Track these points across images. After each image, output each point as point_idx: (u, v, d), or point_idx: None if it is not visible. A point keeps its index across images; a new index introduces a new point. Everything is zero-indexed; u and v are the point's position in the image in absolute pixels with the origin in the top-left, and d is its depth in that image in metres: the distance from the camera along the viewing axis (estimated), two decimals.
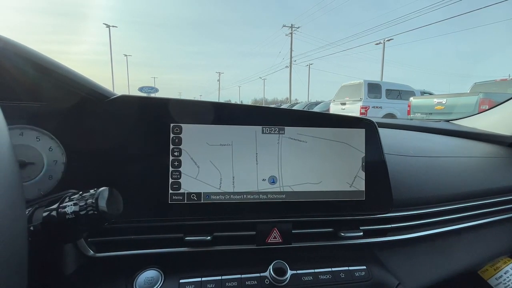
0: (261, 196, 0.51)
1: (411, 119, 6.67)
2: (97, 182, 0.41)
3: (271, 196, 0.52)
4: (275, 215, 0.52)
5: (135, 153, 0.48)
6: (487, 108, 1.27)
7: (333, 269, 0.52)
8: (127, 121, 0.49)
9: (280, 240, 0.53)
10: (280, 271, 0.49)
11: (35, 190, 0.44)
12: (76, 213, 0.32)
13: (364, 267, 0.53)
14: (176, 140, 0.49)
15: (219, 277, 0.48)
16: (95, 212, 0.32)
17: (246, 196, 0.51)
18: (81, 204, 0.32)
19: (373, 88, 8.40)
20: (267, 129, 0.52)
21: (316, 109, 11.85)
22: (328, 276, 0.51)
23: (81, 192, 0.35)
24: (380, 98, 8.41)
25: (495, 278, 0.71)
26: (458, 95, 6.34)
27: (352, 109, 8.32)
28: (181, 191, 0.49)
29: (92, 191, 0.34)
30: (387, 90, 8.55)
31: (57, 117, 0.47)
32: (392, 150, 0.70)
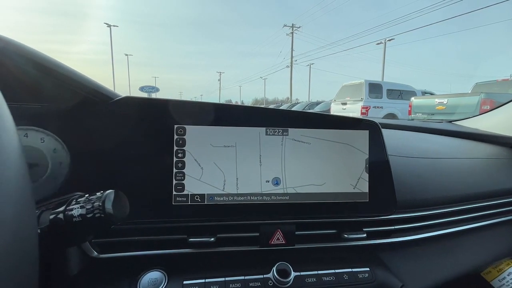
0: (264, 197, 0.51)
1: (412, 119, 6.66)
2: (101, 184, 0.41)
3: (275, 198, 0.52)
4: (278, 217, 0.52)
5: (139, 155, 0.48)
6: (488, 108, 1.27)
7: (337, 270, 0.52)
8: (131, 123, 0.49)
9: (284, 242, 0.53)
10: (284, 273, 0.49)
11: (40, 192, 0.44)
12: (83, 216, 0.32)
13: (368, 269, 0.53)
14: (180, 142, 0.49)
15: (223, 279, 0.48)
16: (102, 215, 0.32)
17: (250, 198, 0.51)
18: (88, 207, 0.32)
19: (374, 88, 8.38)
20: (271, 131, 0.52)
21: (317, 109, 11.84)
22: (331, 278, 0.51)
23: (87, 195, 0.35)
24: (381, 98, 8.40)
25: (498, 280, 0.70)
26: (459, 95, 6.32)
27: (353, 109, 8.31)
28: (185, 192, 0.49)
29: (98, 193, 0.34)
30: (388, 90, 8.53)
31: (61, 118, 0.47)
32: (395, 151, 0.70)
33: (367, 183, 0.54)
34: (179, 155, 0.49)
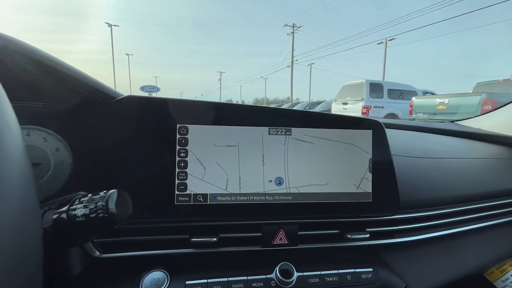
0: (267, 197, 0.51)
1: (413, 119, 6.64)
2: (103, 183, 0.41)
3: (278, 198, 0.51)
4: (281, 217, 0.52)
5: (141, 154, 0.48)
6: (490, 108, 1.27)
7: (340, 271, 0.52)
8: (133, 122, 0.49)
9: (286, 242, 0.53)
10: (286, 273, 0.49)
11: (42, 191, 0.43)
12: (87, 216, 0.32)
13: (371, 269, 0.53)
14: (183, 141, 0.49)
15: (225, 279, 0.48)
16: (105, 215, 0.32)
17: (253, 198, 0.51)
18: (91, 206, 0.32)
19: (375, 88, 8.37)
20: (274, 130, 0.52)
21: (318, 108, 11.83)
22: (334, 278, 0.51)
23: (90, 195, 0.35)
24: (382, 98, 8.38)
25: (502, 281, 0.70)
26: (460, 95, 6.30)
27: (354, 109, 8.30)
28: (187, 192, 0.49)
29: (101, 193, 0.34)
30: (389, 90, 8.51)
31: (64, 118, 0.47)
32: (398, 151, 0.69)
33: (371, 183, 0.54)
34: (182, 154, 0.49)
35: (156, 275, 0.47)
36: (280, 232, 0.53)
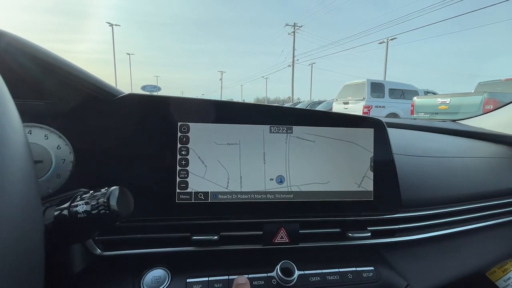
0: (268, 195, 0.51)
1: (414, 119, 6.62)
2: (104, 181, 0.41)
3: (279, 196, 0.51)
4: (282, 215, 0.52)
5: (142, 152, 0.48)
6: (491, 108, 1.26)
7: (341, 269, 0.52)
8: (134, 120, 0.49)
9: (287, 240, 0.53)
10: (288, 271, 0.49)
11: (44, 188, 0.44)
12: (88, 212, 0.32)
13: (372, 268, 0.53)
14: (184, 139, 0.49)
15: (226, 277, 0.48)
16: (107, 212, 0.32)
17: (254, 196, 0.50)
18: (92, 203, 0.32)
19: (376, 88, 8.36)
20: (275, 128, 0.52)
21: (319, 108, 11.79)
22: (335, 277, 0.51)
23: (92, 191, 0.35)
24: (383, 97, 8.37)
25: (503, 280, 0.70)
26: (462, 94, 6.28)
27: (355, 109, 8.29)
28: (189, 190, 0.49)
29: (103, 190, 0.34)
30: (390, 89, 8.50)
31: (65, 115, 0.47)
32: (399, 150, 0.69)
33: (372, 181, 0.54)
34: (183, 152, 0.49)
35: (157, 273, 0.47)
36: (281, 231, 0.53)
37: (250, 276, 0.48)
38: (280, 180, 0.51)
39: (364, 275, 0.52)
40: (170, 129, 0.49)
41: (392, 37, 23.39)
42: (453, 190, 0.67)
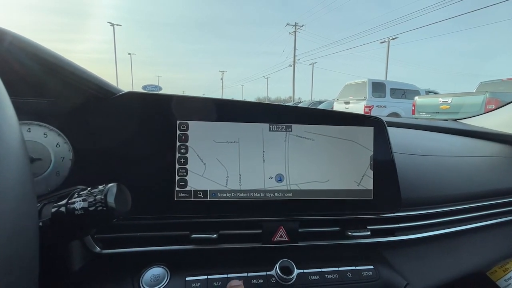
0: (267, 194, 0.51)
1: (415, 119, 6.59)
2: (103, 179, 0.41)
3: (278, 194, 0.51)
4: (281, 214, 0.52)
5: (142, 150, 0.48)
6: (493, 107, 1.25)
7: (340, 268, 0.51)
8: (134, 118, 0.49)
9: (287, 239, 0.53)
10: (287, 270, 0.48)
11: (43, 186, 0.44)
12: (85, 209, 0.32)
13: (372, 267, 0.53)
14: (183, 137, 0.49)
15: (225, 275, 0.48)
16: (104, 208, 0.32)
17: (253, 194, 0.50)
18: (90, 200, 0.32)
19: (378, 87, 8.33)
20: (274, 127, 0.52)
21: (320, 108, 11.79)
22: (335, 276, 0.50)
23: (89, 188, 0.35)
24: (385, 97, 8.34)
25: (504, 280, 0.70)
26: (464, 94, 6.25)
27: (356, 108, 8.27)
28: (188, 188, 0.49)
29: (101, 187, 0.34)
30: (391, 89, 8.47)
31: (64, 113, 0.47)
32: (399, 149, 0.69)
33: (372, 180, 0.54)
34: (182, 150, 0.49)
35: (156, 271, 0.47)
36: (281, 229, 0.53)
37: (249, 274, 0.48)
38: (280, 178, 0.51)
39: (364, 274, 0.52)
40: (169, 127, 0.49)
41: (394, 37, 23.32)
42: (453, 189, 0.67)
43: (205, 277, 0.47)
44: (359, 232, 0.55)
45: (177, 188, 0.48)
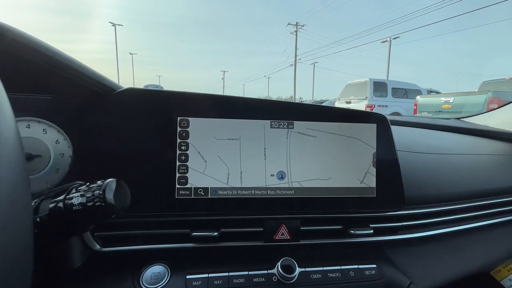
0: (269, 191, 0.50)
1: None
2: (103, 176, 0.41)
3: (280, 192, 0.50)
4: (283, 211, 0.51)
5: (142, 147, 0.48)
6: (496, 107, 1.24)
7: (343, 267, 0.51)
8: (134, 114, 0.48)
9: (288, 237, 0.52)
10: (288, 269, 0.48)
11: (42, 183, 0.43)
12: (83, 204, 0.31)
13: (375, 266, 0.52)
14: (183, 134, 0.48)
15: (226, 274, 0.47)
16: (103, 204, 0.31)
17: (254, 192, 0.50)
18: (88, 195, 0.32)
19: (379, 87, 8.31)
20: (276, 124, 0.51)
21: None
22: (337, 274, 0.50)
23: (88, 183, 0.34)
24: (386, 96, 8.32)
25: (509, 279, 0.69)
26: (466, 93, 6.21)
27: (358, 108, 8.25)
28: (188, 186, 0.48)
29: (99, 182, 0.34)
30: (393, 88, 8.44)
31: (64, 110, 0.46)
32: (403, 147, 0.68)
33: (375, 177, 0.53)
34: (182, 147, 0.48)
35: (156, 269, 0.47)
36: (282, 227, 0.52)
37: (250, 273, 0.48)
38: (281, 176, 0.51)
39: (367, 272, 0.51)
40: (169, 123, 0.48)
41: (395, 36, 23.24)
42: (457, 187, 0.66)
43: (206, 275, 0.46)
44: (362, 230, 0.54)
45: (177, 186, 0.48)
